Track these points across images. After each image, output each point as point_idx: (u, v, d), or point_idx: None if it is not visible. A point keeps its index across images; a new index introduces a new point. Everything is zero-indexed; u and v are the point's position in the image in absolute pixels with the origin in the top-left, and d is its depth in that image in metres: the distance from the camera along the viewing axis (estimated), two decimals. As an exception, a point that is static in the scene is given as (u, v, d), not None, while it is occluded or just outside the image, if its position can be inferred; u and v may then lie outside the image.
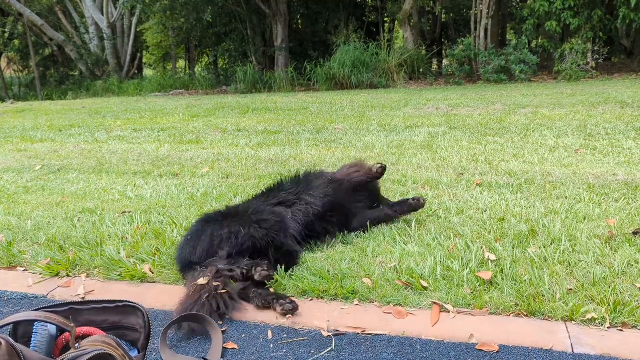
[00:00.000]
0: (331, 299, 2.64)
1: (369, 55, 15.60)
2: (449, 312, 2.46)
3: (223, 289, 2.56)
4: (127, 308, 1.76)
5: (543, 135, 6.41)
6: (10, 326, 1.59)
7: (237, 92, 16.91)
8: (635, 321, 2.29)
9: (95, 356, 1.41)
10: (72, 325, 1.51)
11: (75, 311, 1.69)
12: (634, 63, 15.91)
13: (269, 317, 2.53)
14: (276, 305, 2.54)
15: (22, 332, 1.61)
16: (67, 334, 1.54)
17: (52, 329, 1.56)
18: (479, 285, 2.63)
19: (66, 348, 1.53)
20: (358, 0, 21.98)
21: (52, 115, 11.76)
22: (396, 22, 21.60)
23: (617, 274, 2.66)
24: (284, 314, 2.51)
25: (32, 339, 1.55)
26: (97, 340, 1.50)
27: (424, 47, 18.64)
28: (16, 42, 27.56)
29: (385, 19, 22.21)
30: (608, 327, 2.27)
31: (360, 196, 3.58)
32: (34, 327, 1.56)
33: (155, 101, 14.35)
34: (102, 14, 22.82)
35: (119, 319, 1.75)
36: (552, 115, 7.81)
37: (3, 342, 1.38)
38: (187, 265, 2.83)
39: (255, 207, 3.11)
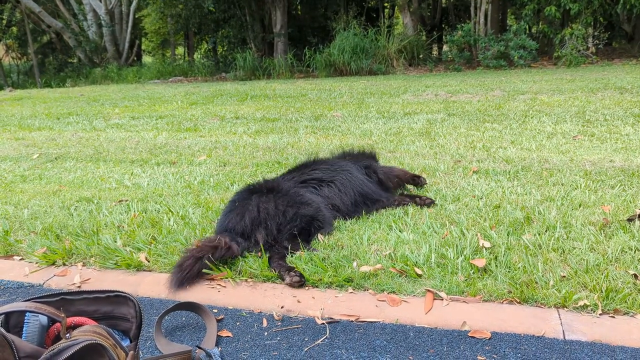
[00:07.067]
0: (326, 287, 2.65)
1: (369, 42, 15.50)
2: (442, 299, 2.47)
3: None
4: (119, 298, 1.76)
5: (541, 122, 6.39)
6: (2, 317, 1.60)
7: (236, 79, 16.84)
8: (627, 307, 2.30)
9: (85, 346, 1.42)
10: (63, 315, 1.52)
11: (66, 301, 1.70)
12: (634, 48, 15.79)
13: (264, 305, 2.55)
14: (285, 276, 2.71)
15: (13, 322, 1.62)
16: (58, 324, 1.55)
17: (44, 319, 1.57)
18: (472, 273, 2.64)
19: (58, 338, 1.54)
20: (357, -14, 21.79)
21: (50, 103, 11.73)
22: (396, 8, 21.43)
23: (611, 261, 2.67)
24: (291, 286, 2.66)
25: (24, 329, 1.56)
26: (88, 330, 1.51)
27: (423, 33, 18.51)
28: (14, 29, 27.37)
29: (385, 5, 22.03)
30: (600, 314, 2.28)
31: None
32: (26, 318, 1.57)
33: (154, 88, 14.31)
34: (100, 1, 22.66)
35: (110, 308, 1.76)
36: (550, 102, 7.78)
37: (-5, 332, 1.39)
38: (225, 232, 3.06)
39: (296, 190, 3.36)
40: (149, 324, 2.39)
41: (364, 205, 3.59)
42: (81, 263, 3.10)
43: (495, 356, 2.07)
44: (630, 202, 3.46)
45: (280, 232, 3.06)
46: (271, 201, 3.14)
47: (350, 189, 3.55)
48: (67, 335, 1.48)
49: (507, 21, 20.39)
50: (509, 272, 2.62)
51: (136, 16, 24.16)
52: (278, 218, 3.07)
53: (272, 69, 16.92)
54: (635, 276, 2.50)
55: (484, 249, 2.86)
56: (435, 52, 21.23)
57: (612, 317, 2.27)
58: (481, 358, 2.06)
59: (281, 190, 3.28)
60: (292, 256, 2.93)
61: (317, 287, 2.67)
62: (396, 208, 3.64)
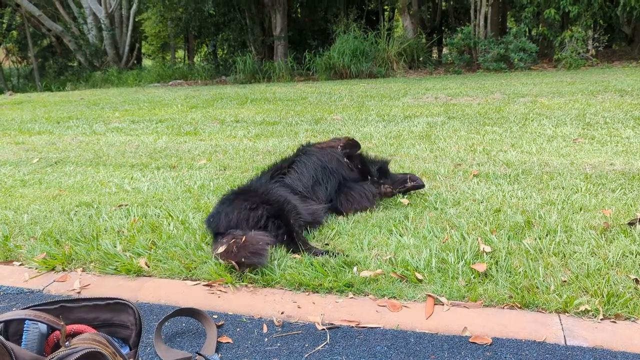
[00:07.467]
0: (326, 293, 2.65)
1: (369, 44, 15.50)
2: (443, 304, 2.47)
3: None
4: (118, 305, 1.76)
5: (541, 125, 6.39)
6: (1, 325, 1.60)
7: (236, 82, 16.84)
8: (629, 313, 2.29)
9: (85, 354, 1.42)
10: (62, 323, 1.51)
11: (66, 309, 1.70)
12: (634, 50, 15.79)
13: (264, 311, 2.54)
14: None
15: (13, 330, 1.61)
16: (57, 332, 1.55)
17: (43, 327, 1.56)
18: (473, 278, 2.64)
19: (57, 346, 1.54)
20: (357, -12, 21.79)
21: (50, 107, 11.73)
22: (396, 11, 21.46)
23: (612, 265, 2.66)
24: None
25: (23, 337, 1.55)
26: (88, 338, 1.50)
27: (423, 36, 18.52)
28: (14, 32, 27.41)
29: (385, 7, 22.04)
30: (601, 319, 2.27)
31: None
32: (25, 325, 1.57)
33: (154, 92, 14.31)
34: (100, 4, 22.65)
35: (110, 316, 1.75)
36: (551, 104, 7.78)
37: (-6, 340, 1.39)
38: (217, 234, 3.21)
39: (264, 188, 3.51)
40: (149, 330, 2.38)
41: (328, 178, 3.74)
42: (81, 268, 3.09)
43: (496, 362, 2.06)
44: (631, 206, 3.46)
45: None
46: (235, 209, 3.26)
47: (305, 169, 3.74)
48: (67, 343, 1.48)
49: (507, 24, 20.39)
50: (509, 276, 2.62)
51: (136, 19, 24.16)
52: (244, 223, 3.20)
53: (272, 72, 16.92)
54: (637, 281, 2.49)
55: (484, 253, 2.86)
56: (435, 55, 21.25)
57: (613, 322, 2.26)
58: (482, 364, 2.06)
59: (250, 191, 3.47)
60: (293, 261, 2.93)
61: (317, 292, 2.66)
62: (392, 209, 3.64)
